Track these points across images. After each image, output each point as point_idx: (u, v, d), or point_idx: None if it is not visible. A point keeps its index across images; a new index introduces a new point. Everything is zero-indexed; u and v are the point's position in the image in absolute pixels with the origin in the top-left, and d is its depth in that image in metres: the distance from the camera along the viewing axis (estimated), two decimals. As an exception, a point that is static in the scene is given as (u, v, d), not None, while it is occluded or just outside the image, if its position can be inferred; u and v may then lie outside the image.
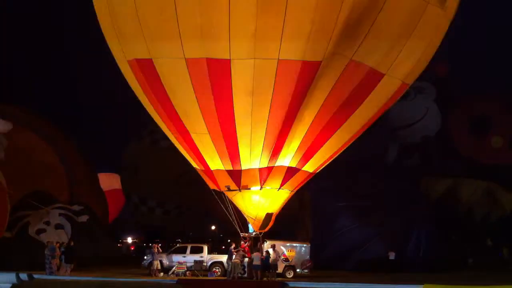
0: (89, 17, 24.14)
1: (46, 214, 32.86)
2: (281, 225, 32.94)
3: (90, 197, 37.03)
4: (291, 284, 18.63)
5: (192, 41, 21.35)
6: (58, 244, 28.58)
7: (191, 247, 30.11)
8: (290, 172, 25.29)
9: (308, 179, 26.27)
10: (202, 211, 44.71)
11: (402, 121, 43.22)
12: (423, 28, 22.65)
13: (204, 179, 26.35)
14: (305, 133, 23.94)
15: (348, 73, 22.49)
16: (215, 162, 24.76)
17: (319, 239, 32.69)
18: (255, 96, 22.36)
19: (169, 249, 30.74)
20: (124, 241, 49.81)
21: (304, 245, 29.79)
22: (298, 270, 28.81)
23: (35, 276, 15.46)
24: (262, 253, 26.70)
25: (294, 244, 29.69)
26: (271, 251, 27.34)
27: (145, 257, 30.65)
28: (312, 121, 23.60)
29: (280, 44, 21.12)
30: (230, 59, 21.43)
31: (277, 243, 28.53)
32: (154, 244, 30.47)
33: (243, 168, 24.68)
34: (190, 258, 29.28)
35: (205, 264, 29.10)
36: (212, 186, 26.29)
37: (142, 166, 42.91)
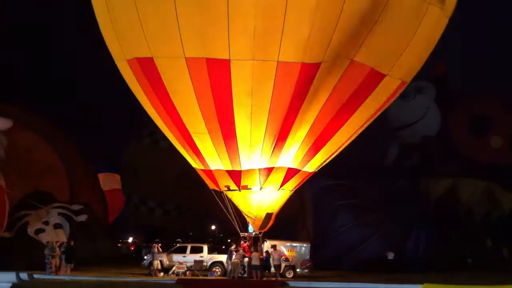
0: (89, 16, 24.13)
1: (46, 214, 32.87)
2: (282, 225, 33.03)
3: (90, 197, 37.07)
4: (291, 284, 18.67)
5: (192, 41, 21.38)
6: (58, 244, 28.59)
7: (191, 247, 30.13)
8: (291, 172, 25.34)
9: (307, 178, 26.32)
10: (202, 211, 44.74)
11: (402, 121, 43.24)
12: (424, 28, 22.71)
13: (204, 179, 26.37)
14: (306, 135, 23.97)
15: (350, 75, 22.52)
16: (215, 162, 24.78)
17: (319, 238, 32.71)
18: (254, 97, 22.37)
19: (169, 249, 30.75)
20: (124, 241, 49.82)
21: (304, 245, 29.81)
22: (298, 270, 28.83)
23: (35, 275, 15.50)
24: (261, 253, 26.72)
25: (294, 244, 29.73)
26: (271, 251, 27.36)
27: (145, 257, 30.67)
28: (313, 122, 23.63)
29: (280, 46, 21.11)
30: (229, 59, 21.45)
31: (277, 243, 28.55)
32: (154, 244, 30.49)
33: (243, 168, 24.72)
34: (190, 258, 29.30)
35: (205, 264, 29.13)
36: (212, 186, 26.31)
37: (142, 167, 42.93)
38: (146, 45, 22.00)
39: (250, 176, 24.97)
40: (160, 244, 30.80)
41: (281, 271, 27.98)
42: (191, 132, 23.94)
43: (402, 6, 21.70)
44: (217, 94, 22.44)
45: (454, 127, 42.29)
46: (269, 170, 24.83)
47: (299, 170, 25.51)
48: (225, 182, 25.54)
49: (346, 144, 25.67)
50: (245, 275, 26.73)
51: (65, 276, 25.53)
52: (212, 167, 25.01)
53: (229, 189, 25.76)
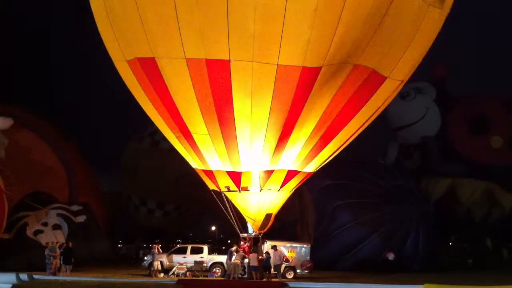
0: (89, 17, 24.11)
1: (45, 215, 32.83)
2: (282, 226, 33.02)
3: (89, 197, 37.02)
4: (291, 284, 18.62)
5: (192, 42, 21.37)
6: (58, 245, 28.57)
7: (191, 248, 30.11)
8: (291, 174, 25.37)
9: (307, 178, 26.36)
10: (202, 212, 44.73)
11: (402, 121, 43.26)
12: (424, 29, 22.73)
13: (204, 179, 26.36)
14: (307, 138, 23.97)
15: (352, 79, 22.56)
16: (215, 162, 24.78)
17: (319, 239, 32.68)
18: (254, 98, 22.36)
19: (169, 250, 30.74)
20: (124, 242, 49.75)
21: (304, 245, 29.80)
22: (298, 270, 28.81)
23: (35, 276, 15.47)
24: (261, 254, 26.71)
25: (294, 245, 29.71)
26: (272, 252, 27.35)
27: (145, 258, 30.65)
28: (314, 126, 23.64)
29: (279, 49, 21.10)
30: (229, 60, 21.44)
31: (278, 244, 28.55)
32: (154, 245, 30.46)
33: (243, 169, 24.72)
34: (190, 259, 29.28)
35: (205, 264, 29.10)
36: (211, 186, 26.30)
37: (142, 168, 42.89)
38: (147, 45, 21.99)
39: (250, 177, 24.97)
40: (160, 245, 30.77)
41: (281, 272, 27.96)
42: (192, 132, 23.93)
43: (404, 9, 21.68)
44: (217, 95, 22.44)
45: (453, 127, 42.29)
46: (270, 173, 24.85)
47: (299, 171, 25.55)
48: (225, 183, 25.53)
49: (346, 144, 25.71)
50: (245, 276, 26.72)
51: (65, 276, 25.49)
52: (213, 167, 25.01)
53: (229, 190, 25.75)
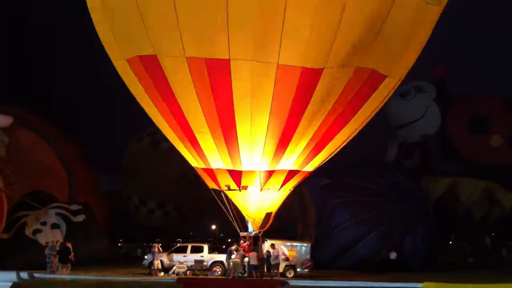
0: (88, 16, 24.10)
1: (44, 214, 32.84)
2: (282, 224, 33.05)
3: (89, 197, 37.03)
4: (291, 283, 18.71)
5: (191, 41, 21.40)
6: (58, 244, 28.59)
7: (192, 247, 30.12)
8: (291, 174, 25.43)
9: (306, 176, 26.43)
10: (202, 211, 44.73)
11: (402, 120, 43.30)
12: (422, 27, 22.83)
13: (204, 178, 26.37)
14: (308, 140, 24.02)
15: (354, 82, 22.64)
16: (216, 161, 24.80)
17: (319, 237, 32.71)
18: (254, 97, 22.39)
19: (169, 249, 30.77)
20: (124, 241, 49.75)
21: (305, 244, 29.83)
22: (298, 269, 28.84)
23: (36, 275, 15.52)
24: (261, 253, 26.74)
25: (295, 244, 29.74)
26: (271, 251, 27.38)
27: (145, 257, 30.68)
28: (316, 128, 23.68)
29: (280, 48, 21.13)
30: (229, 59, 21.46)
31: (278, 243, 28.59)
32: (154, 244, 30.49)
33: (243, 169, 24.76)
34: (190, 258, 29.29)
35: (205, 263, 29.12)
36: (212, 185, 26.32)
37: (142, 167, 42.91)
38: (149, 43, 22.01)
39: (250, 177, 25.01)
40: (160, 244, 30.79)
41: (281, 271, 27.98)
42: (193, 130, 23.95)
43: (404, 9, 21.75)
44: (217, 94, 22.48)
45: (453, 126, 42.31)
46: (270, 173, 24.91)
47: (299, 171, 25.60)
48: (225, 182, 25.57)
49: (346, 143, 25.76)
50: (246, 274, 26.75)
51: (65, 275, 25.52)
52: (213, 165, 25.03)
53: (229, 189, 25.79)
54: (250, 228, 27.04)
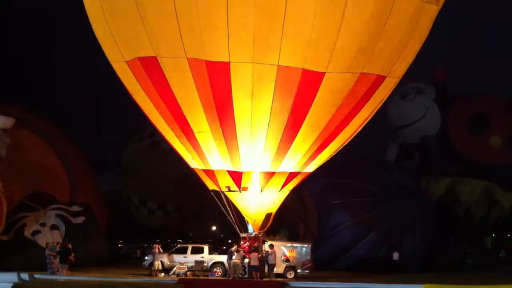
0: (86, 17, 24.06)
1: (43, 215, 32.83)
2: (283, 225, 33.02)
3: (90, 197, 37.00)
4: (291, 284, 18.70)
5: (192, 42, 21.38)
6: (59, 245, 28.59)
7: (192, 248, 30.12)
8: (292, 176, 25.45)
9: (306, 177, 26.47)
10: (202, 211, 44.71)
11: (402, 121, 43.31)
12: (421, 26, 22.91)
13: (204, 179, 26.36)
14: (309, 142, 24.03)
15: (357, 88, 22.68)
16: (217, 162, 24.79)
17: (320, 238, 32.69)
18: (254, 100, 22.40)
19: (170, 250, 30.76)
20: (124, 242, 49.71)
21: (305, 245, 29.83)
22: (298, 270, 28.83)
23: (36, 275, 15.52)
24: (261, 253, 26.74)
25: (295, 245, 29.74)
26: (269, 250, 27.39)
27: (146, 258, 30.68)
28: (316, 130, 23.69)
29: (280, 49, 21.12)
30: (229, 62, 21.46)
31: (278, 244, 28.59)
32: (155, 245, 30.48)
33: (244, 170, 24.75)
34: (191, 259, 29.28)
35: (205, 264, 29.12)
36: (211, 186, 26.32)
37: (142, 168, 42.88)
38: (149, 44, 21.99)
39: (251, 178, 25.03)
40: (160, 245, 30.79)
41: (281, 272, 27.97)
42: (194, 131, 23.94)
43: (403, 9, 21.78)
44: (217, 96, 22.48)
45: (453, 127, 42.33)
46: (271, 174, 24.93)
47: (300, 172, 25.64)
48: (226, 183, 25.57)
49: (345, 144, 25.81)
50: (246, 275, 26.75)
51: (66, 276, 25.52)
52: (214, 166, 25.02)
53: (229, 190, 25.78)
54: (250, 229, 27.04)
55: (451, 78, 45.57)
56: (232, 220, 26.61)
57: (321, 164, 26.15)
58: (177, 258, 29.47)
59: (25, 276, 15.88)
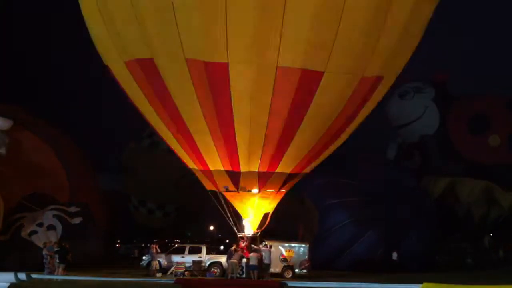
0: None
1: (41, 215, 32.86)
2: (282, 225, 33.00)
3: (89, 197, 36.99)
4: (289, 283, 18.61)
5: (190, 43, 21.39)
6: (56, 245, 28.62)
7: (190, 248, 30.12)
8: (290, 176, 25.45)
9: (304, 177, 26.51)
10: (200, 211, 44.72)
11: (401, 120, 43.34)
12: (418, 22, 22.94)
13: (202, 180, 26.37)
14: (307, 142, 24.03)
15: (358, 89, 22.71)
16: (215, 162, 24.79)
17: (319, 238, 32.67)
18: (253, 100, 22.40)
19: (167, 250, 30.76)
20: (123, 242, 49.75)
21: (303, 245, 29.83)
22: (296, 270, 28.84)
23: (33, 275, 15.48)
24: (259, 253, 26.75)
25: (293, 244, 29.74)
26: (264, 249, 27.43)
27: (143, 257, 30.67)
28: (317, 130, 23.73)
29: (279, 50, 21.12)
30: (228, 63, 21.45)
31: (276, 243, 28.60)
32: (152, 245, 30.49)
33: (242, 170, 24.74)
34: (188, 259, 29.29)
35: (203, 264, 29.12)
36: (209, 187, 26.32)
37: (142, 168, 42.90)
38: (146, 46, 21.98)
39: (249, 178, 25.03)
40: (158, 245, 30.79)
41: (274, 271, 27.98)
42: (192, 132, 23.95)
43: (402, 7, 21.80)
44: (216, 96, 22.47)
45: (452, 126, 42.34)
46: (269, 175, 24.93)
47: (298, 173, 25.65)
48: (224, 183, 25.56)
49: (342, 141, 25.87)
50: (244, 275, 26.76)
51: (64, 276, 25.53)
52: (212, 167, 25.02)
53: (227, 190, 25.79)
54: (248, 229, 27.07)
55: (452, 78, 45.61)
56: (230, 220, 26.63)
57: (318, 164, 26.16)
58: (175, 258, 29.47)
59: (22, 276, 15.83)
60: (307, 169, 25.99)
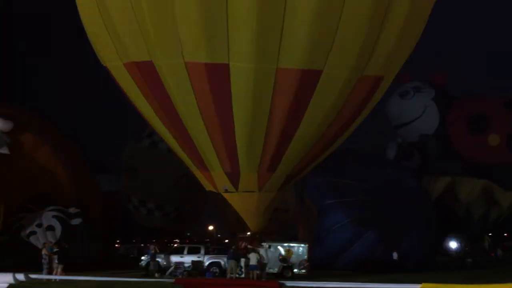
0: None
1: (40, 216, 32.87)
2: (281, 225, 33.00)
3: (89, 198, 37.03)
4: (288, 283, 18.59)
5: (190, 45, 21.35)
6: (55, 245, 28.63)
7: (189, 248, 30.13)
8: (290, 176, 25.46)
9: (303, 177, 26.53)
10: (200, 211, 44.72)
11: (401, 120, 43.34)
12: (416, 20, 22.95)
13: (201, 181, 26.36)
14: (307, 143, 24.02)
15: (357, 89, 22.70)
16: (215, 164, 24.76)
17: (318, 237, 32.66)
18: (254, 101, 22.38)
19: (167, 250, 30.78)
20: (122, 242, 49.80)
21: (302, 245, 29.84)
22: (295, 270, 28.85)
23: (32, 276, 15.46)
24: (258, 252, 26.79)
25: (292, 244, 29.75)
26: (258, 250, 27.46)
27: (142, 258, 30.68)
28: (314, 132, 23.71)
29: (279, 52, 21.14)
30: (229, 64, 21.44)
31: (275, 243, 28.62)
32: (151, 245, 30.49)
33: (241, 171, 24.72)
34: (187, 259, 29.30)
35: (202, 264, 29.12)
36: (209, 187, 26.31)
37: (141, 168, 42.89)
38: (145, 48, 21.94)
39: (249, 179, 24.98)
40: (157, 245, 30.79)
41: (273, 271, 27.98)
42: (191, 134, 23.92)
43: (400, 7, 21.81)
44: (216, 98, 22.43)
45: (452, 126, 42.35)
46: (269, 175, 24.90)
47: (298, 173, 25.66)
48: (223, 184, 25.54)
49: (342, 142, 25.88)
50: (243, 275, 26.77)
51: (62, 276, 25.53)
52: (211, 168, 24.98)
53: (227, 191, 25.78)
54: (248, 229, 27.08)
55: (451, 77, 45.63)
56: (229, 220, 26.64)
57: (316, 164, 26.17)
58: (174, 258, 29.48)
59: (20, 276, 15.79)
60: (307, 169, 25.98)
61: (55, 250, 27.95)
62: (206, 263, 29.14)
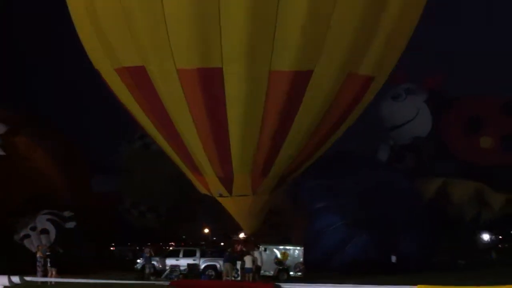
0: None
1: (35, 219, 32.77)
2: (275, 228, 33.02)
3: (84, 200, 36.95)
4: (284, 286, 18.61)
5: (182, 51, 21.36)
6: (49, 249, 28.57)
7: (184, 251, 30.12)
8: (283, 178, 25.49)
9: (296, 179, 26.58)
10: (195, 214, 44.64)
11: (393, 122, 43.37)
12: (407, 19, 23.04)
13: (195, 184, 26.36)
14: (300, 144, 24.06)
15: (346, 88, 22.74)
16: (207, 168, 24.75)
17: (312, 240, 32.68)
18: (247, 105, 22.42)
19: (162, 253, 30.75)
20: (117, 244, 49.65)
21: (298, 247, 29.87)
22: (291, 272, 28.87)
23: (27, 278, 15.44)
24: (253, 256, 26.81)
25: (287, 247, 29.77)
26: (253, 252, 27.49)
27: (138, 261, 30.64)
28: (308, 132, 23.75)
29: (271, 55, 21.21)
30: (222, 68, 21.47)
31: (270, 246, 28.64)
32: (146, 248, 30.46)
33: (235, 175, 24.73)
34: (183, 262, 29.28)
35: (198, 267, 29.11)
36: (203, 191, 26.31)
37: (135, 170, 42.82)
38: (137, 54, 21.92)
39: (242, 183, 25.00)
40: (152, 248, 30.76)
41: (269, 274, 27.99)
42: (183, 139, 23.91)
43: (392, 7, 21.89)
44: (209, 103, 22.44)
45: (445, 128, 42.44)
46: (262, 178, 24.92)
47: (291, 175, 25.70)
48: (217, 188, 25.53)
49: (333, 142, 25.96)
50: (239, 278, 26.78)
51: (57, 278, 25.47)
52: (204, 172, 24.96)
53: (221, 195, 25.78)
54: (243, 232, 27.11)
55: (444, 79, 45.67)
56: (224, 223, 26.64)
57: (311, 165, 26.21)
58: (169, 261, 29.45)
59: (15, 279, 15.77)
60: (301, 170, 26.01)
61: (47, 253, 27.87)
62: (202, 266, 29.15)
